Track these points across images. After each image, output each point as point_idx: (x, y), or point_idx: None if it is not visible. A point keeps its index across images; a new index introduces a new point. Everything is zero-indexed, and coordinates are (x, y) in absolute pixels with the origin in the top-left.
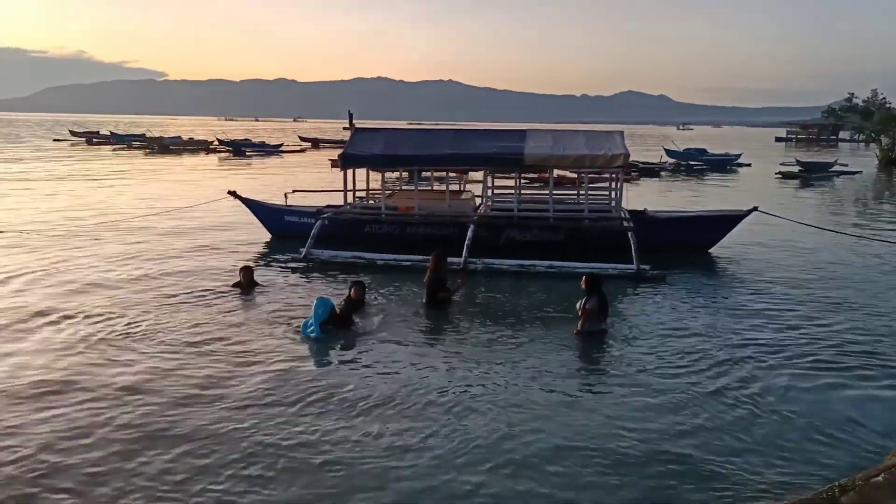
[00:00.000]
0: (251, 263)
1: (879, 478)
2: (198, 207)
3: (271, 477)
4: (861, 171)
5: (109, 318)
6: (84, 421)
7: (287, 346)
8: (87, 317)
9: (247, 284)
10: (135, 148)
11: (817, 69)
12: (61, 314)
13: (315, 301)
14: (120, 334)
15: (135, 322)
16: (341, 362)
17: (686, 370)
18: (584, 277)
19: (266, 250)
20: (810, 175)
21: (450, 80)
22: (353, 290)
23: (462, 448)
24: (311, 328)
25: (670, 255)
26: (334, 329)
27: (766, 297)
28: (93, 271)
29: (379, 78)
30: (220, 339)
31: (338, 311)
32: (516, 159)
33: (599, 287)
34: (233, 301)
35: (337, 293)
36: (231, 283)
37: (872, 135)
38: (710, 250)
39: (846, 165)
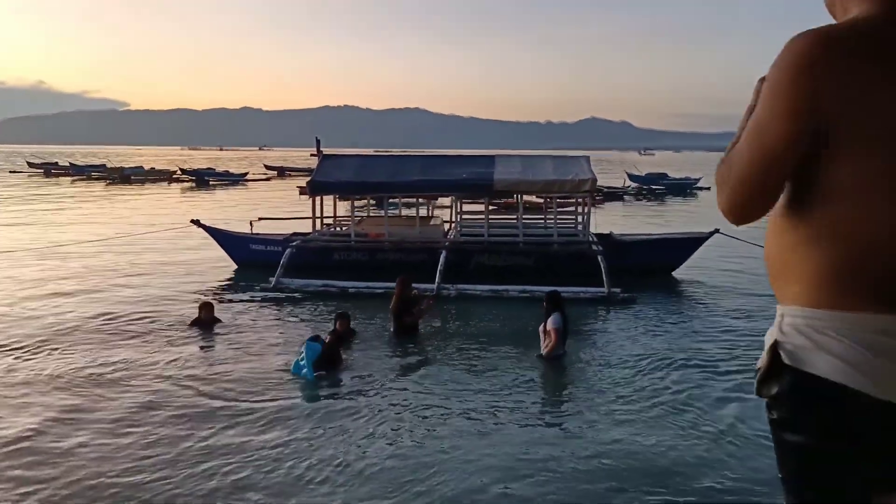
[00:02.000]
0: (210, 299)
1: None
2: (158, 237)
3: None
4: None
5: (44, 358)
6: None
7: (255, 388)
8: (24, 351)
9: (207, 321)
10: (94, 179)
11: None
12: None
13: (305, 344)
14: (63, 379)
15: (82, 364)
16: (317, 399)
17: (665, 391)
18: (546, 295)
19: (232, 281)
20: None
21: (416, 108)
22: (338, 322)
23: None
24: (305, 371)
25: (635, 277)
26: (325, 368)
27: (734, 318)
28: (40, 304)
29: (345, 106)
30: (192, 377)
31: (326, 349)
32: (486, 185)
33: (561, 306)
34: (195, 340)
35: (308, 324)
36: (189, 322)
37: None
38: (673, 272)
39: None
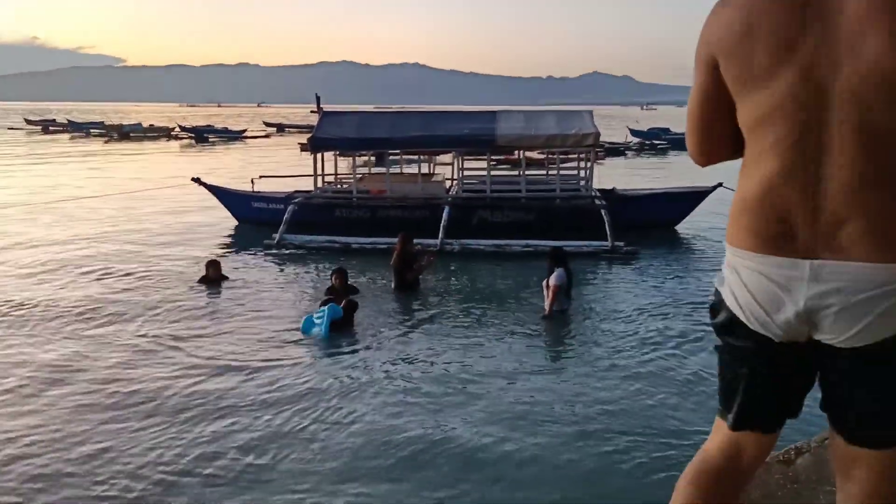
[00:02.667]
0: (216, 257)
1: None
2: (160, 195)
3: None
4: None
5: (61, 314)
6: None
7: (262, 346)
8: (36, 308)
9: (215, 279)
10: (93, 136)
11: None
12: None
13: (329, 306)
14: (69, 333)
15: (93, 319)
16: (325, 357)
17: (669, 344)
18: (549, 251)
19: (235, 238)
20: None
21: (416, 64)
22: (334, 277)
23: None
24: (317, 328)
25: (638, 232)
26: (339, 329)
27: None
28: (45, 257)
29: (344, 62)
30: (197, 336)
31: (346, 312)
32: (488, 140)
33: (565, 261)
34: (201, 297)
35: (313, 280)
36: (197, 279)
37: None
38: (676, 227)
39: None
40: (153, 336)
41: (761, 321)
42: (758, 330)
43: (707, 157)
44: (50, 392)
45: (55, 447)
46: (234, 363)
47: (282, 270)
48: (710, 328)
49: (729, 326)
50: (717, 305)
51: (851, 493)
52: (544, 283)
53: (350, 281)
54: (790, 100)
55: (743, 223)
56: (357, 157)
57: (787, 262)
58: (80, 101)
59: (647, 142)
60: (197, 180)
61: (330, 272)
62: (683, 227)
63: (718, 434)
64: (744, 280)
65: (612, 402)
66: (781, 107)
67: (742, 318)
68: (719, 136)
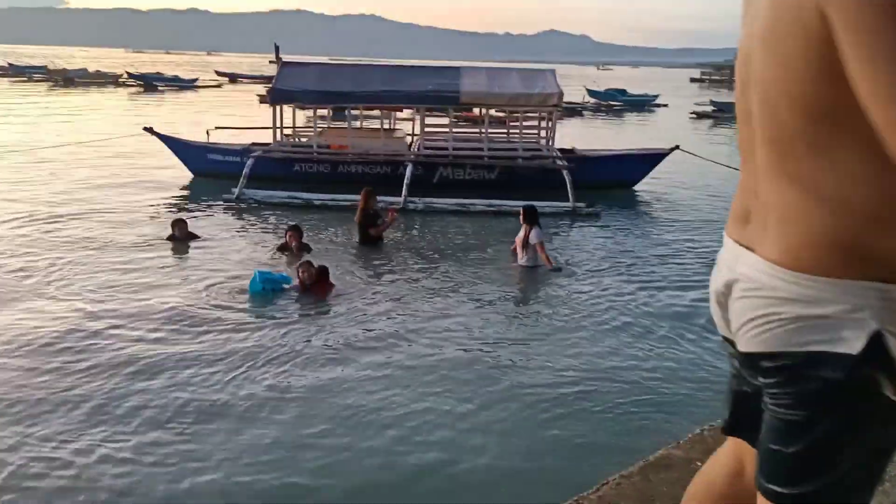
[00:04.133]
0: (183, 216)
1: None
2: (109, 144)
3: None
4: None
5: (20, 271)
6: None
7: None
8: None
9: (182, 237)
10: (36, 81)
11: (735, 11)
12: None
13: (280, 275)
14: (35, 291)
15: (60, 278)
16: (289, 317)
17: (629, 303)
18: (521, 210)
19: (190, 192)
20: (723, 115)
21: (372, 15)
22: (289, 235)
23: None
24: (259, 282)
25: (597, 192)
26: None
27: (693, 233)
28: None
29: (298, 11)
30: (155, 298)
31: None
32: (452, 97)
33: (537, 219)
34: (171, 257)
35: (279, 238)
36: (165, 237)
37: None
38: (633, 188)
39: None
40: (104, 296)
41: (712, 309)
42: (713, 316)
43: None
44: None
45: None
46: (193, 326)
47: (244, 228)
48: (670, 284)
49: None
50: None
51: None
52: (517, 239)
53: (313, 237)
54: (740, 49)
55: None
56: (317, 111)
57: (731, 244)
58: (17, 44)
59: (603, 103)
60: (149, 130)
61: (285, 230)
62: (641, 188)
63: (721, 447)
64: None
65: (591, 357)
66: (740, 53)
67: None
68: None
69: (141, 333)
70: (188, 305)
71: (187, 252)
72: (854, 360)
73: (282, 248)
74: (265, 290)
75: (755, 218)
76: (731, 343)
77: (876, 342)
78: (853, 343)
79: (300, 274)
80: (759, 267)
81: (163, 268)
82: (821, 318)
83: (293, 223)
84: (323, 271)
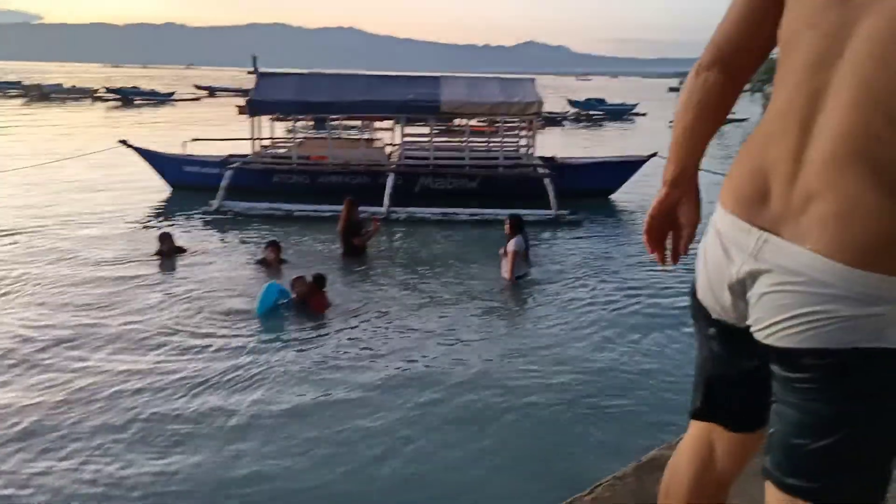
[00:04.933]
0: (167, 229)
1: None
2: (85, 160)
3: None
4: (748, 119)
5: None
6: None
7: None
8: None
9: (168, 252)
10: (11, 97)
11: (710, 22)
12: None
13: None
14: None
15: (48, 294)
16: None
17: (616, 308)
18: (507, 219)
19: (167, 204)
20: None
21: (350, 28)
22: (269, 251)
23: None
24: (263, 304)
25: (576, 199)
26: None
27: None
28: None
29: (276, 24)
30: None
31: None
32: (433, 107)
33: (522, 228)
34: (158, 273)
35: (258, 247)
36: (153, 253)
37: (758, 84)
38: (610, 196)
39: (734, 113)
40: (101, 314)
41: (704, 290)
42: (704, 301)
43: (725, 62)
44: None
45: None
46: (189, 342)
47: (226, 241)
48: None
49: (693, 297)
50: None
51: None
52: (502, 250)
53: (296, 249)
54: (819, 21)
55: (733, 172)
56: (296, 121)
57: (743, 226)
58: None
59: (583, 112)
60: (125, 142)
61: (265, 245)
62: (618, 196)
63: (688, 430)
64: (707, 241)
65: (580, 362)
66: (815, 25)
67: (697, 287)
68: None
69: (131, 353)
70: (178, 325)
71: (174, 269)
72: None
73: (261, 262)
74: (275, 304)
75: (787, 203)
76: (728, 328)
77: None
78: None
79: (295, 289)
80: (805, 261)
81: (154, 284)
82: (875, 316)
83: (273, 238)
84: (319, 280)
